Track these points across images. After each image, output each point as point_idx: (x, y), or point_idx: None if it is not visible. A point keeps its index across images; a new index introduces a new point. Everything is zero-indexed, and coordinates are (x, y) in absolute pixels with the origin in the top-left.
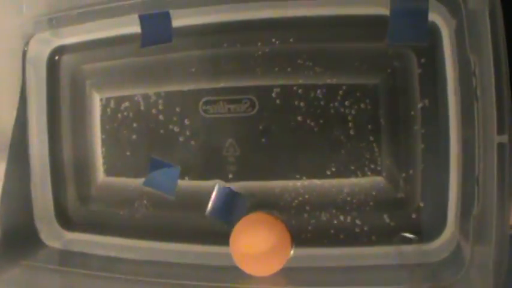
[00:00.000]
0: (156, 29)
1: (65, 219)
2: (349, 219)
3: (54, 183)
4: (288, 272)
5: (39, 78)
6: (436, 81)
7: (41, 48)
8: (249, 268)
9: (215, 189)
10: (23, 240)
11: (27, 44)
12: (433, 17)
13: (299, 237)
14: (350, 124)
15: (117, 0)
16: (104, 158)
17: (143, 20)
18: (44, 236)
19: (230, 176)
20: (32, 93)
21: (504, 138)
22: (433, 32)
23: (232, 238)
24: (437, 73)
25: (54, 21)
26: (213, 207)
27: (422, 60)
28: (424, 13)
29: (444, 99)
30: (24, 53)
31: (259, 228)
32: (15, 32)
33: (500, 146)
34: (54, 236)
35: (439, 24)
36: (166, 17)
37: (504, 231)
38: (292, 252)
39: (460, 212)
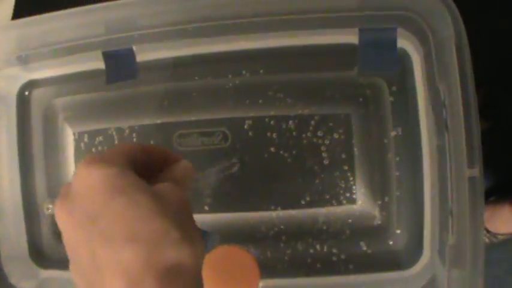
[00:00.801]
0: (121, 66)
1: (40, 257)
2: (325, 248)
3: (28, 220)
4: None
5: (9, 113)
6: (408, 109)
7: (10, 83)
8: None
9: None
10: None
11: None
12: (403, 44)
13: (276, 268)
14: (323, 154)
15: (85, 37)
16: None
17: (107, 56)
18: (15, 278)
19: (206, 208)
20: (2, 130)
21: (475, 172)
22: (404, 60)
23: (204, 273)
24: (408, 101)
25: (24, 57)
26: None
27: (394, 88)
28: (393, 42)
29: (416, 127)
30: None
31: (228, 261)
32: None
33: (472, 179)
34: (28, 276)
35: (410, 52)
36: (130, 54)
37: (478, 261)
38: (260, 285)
39: (436, 239)
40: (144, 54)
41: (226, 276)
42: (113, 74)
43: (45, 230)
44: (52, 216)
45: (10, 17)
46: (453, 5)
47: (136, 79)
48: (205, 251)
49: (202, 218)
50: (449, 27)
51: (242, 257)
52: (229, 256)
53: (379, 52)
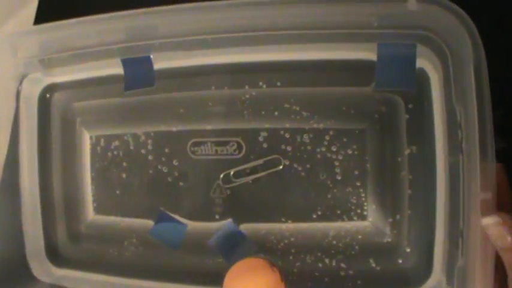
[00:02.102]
0: (139, 73)
1: (55, 256)
2: (334, 262)
3: (45, 220)
4: None
5: (30, 115)
6: (424, 128)
7: (33, 86)
8: None
9: (225, 225)
10: (14, 275)
11: (20, 83)
12: (422, 63)
13: (284, 280)
14: (336, 169)
15: (105, 44)
16: (93, 196)
17: (126, 64)
18: (36, 272)
19: (217, 217)
20: (24, 130)
21: (487, 195)
22: (422, 78)
23: (227, 281)
24: (424, 120)
25: (46, 61)
26: (218, 241)
27: (410, 106)
28: (412, 60)
29: (431, 146)
30: (17, 92)
31: (254, 273)
32: (9, 73)
33: (484, 203)
34: (44, 273)
35: (428, 71)
36: (148, 61)
37: (487, 285)
38: None
39: (446, 259)
40: (163, 62)
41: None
42: (131, 81)
43: (60, 231)
44: (67, 218)
45: (32, 22)
46: (473, 26)
47: (153, 86)
48: (240, 257)
49: (212, 226)
50: (468, 49)
51: (268, 270)
52: (256, 267)
53: (397, 69)
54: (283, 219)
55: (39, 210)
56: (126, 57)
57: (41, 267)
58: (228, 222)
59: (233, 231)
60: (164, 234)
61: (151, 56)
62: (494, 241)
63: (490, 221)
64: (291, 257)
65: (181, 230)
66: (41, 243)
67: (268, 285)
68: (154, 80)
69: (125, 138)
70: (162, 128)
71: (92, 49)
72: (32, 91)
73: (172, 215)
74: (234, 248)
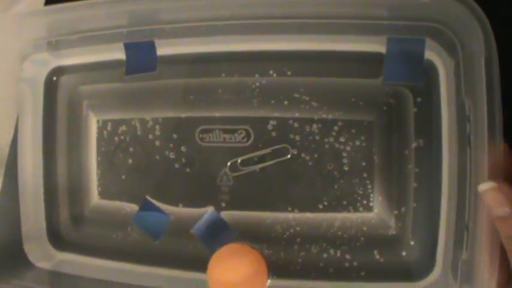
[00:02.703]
0: (141, 58)
1: (57, 240)
2: (339, 253)
3: (48, 203)
4: None
5: (36, 98)
6: (431, 121)
7: (39, 68)
8: None
9: (208, 213)
10: (12, 260)
11: (27, 65)
12: (431, 56)
13: (288, 269)
14: (344, 160)
15: (115, 27)
16: (98, 180)
17: (128, 48)
18: (33, 256)
19: (223, 204)
20: (29, 112)
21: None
22: (431, 72)
23: (210, 266)
24: (432, 113)
25: (54, 43)
26: (200, 228)
27: (419, 99)
28: (420, 54)
29: (439, 140)
30: (24, 74)
31: (237, 258)
32: (15, 53)
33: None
34: (45, 256)
35: (437, 64)
36: (151, 47)
37: (491, 279)
38: (268, 282)
39: (449, 253)
40: (172, 48)
41: (233, 272)
42: (132, 65)
43: (63, 213)
44: (71, 202)
45: (43, 2)
46: (485, 19)
47: (156, 71)
48: (221, 245)
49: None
50: (479, 42)
51: (251, 255)
52: (238, 253)
53: (406, 62)
54: (289, 209)
55: (42, 194)
56: (129, 41)
57: (41, 251)
58: (210, 210)
59: (216, 219)
60: (146, 222)
61: (155, 41)
62: (490, 208)
63: (486, 187)
64: (296, 247)
65: (164, 221)
66: (43, 226)
67: (252, 267)
68: (156, 65)
69: (132, 123)
70: (171, 114)
71: (99, 32)
72: (38, 73)
73: (156, 204)
74: (216, 236)
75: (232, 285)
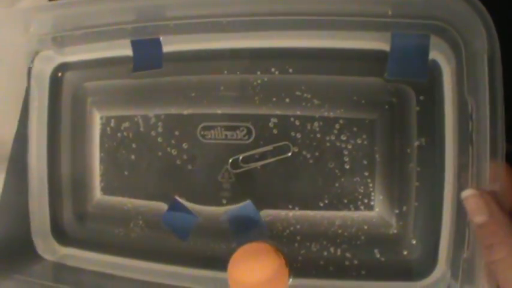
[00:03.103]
0: (147, 55)
1: (61, 235)
2: (339, 251)
3: (52, 198)
4: None
5: (41, 93)
6: (434, 120)
7: (45, 64)
8: None
9: (245, 204)
10: (18, 252)
11: (32, 60)
12: (435, 54)
13: (288, 267)
14: (345, 158)
15: (119, 23)
16: (101, 176)
17: (135, 45)
18: (40, 249)
19: (224, 201)
20: (34, 108)
21: (496, 186)
22: (434, 70)
23: (231, 265)
24: (435, 112)
25: (59, 39)
26: (232, 218)
27: (421, 97)
28: (425, 50)
29: (441, 139)
30: (29, 69)
31: (258, 258)
32: (21, 49)
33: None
34: (49, 251)
35: (440, 63)
36: (157, 44)
37: (492, 277)
38: (290, 281)
39: (451, 252)
40: (176, 45)
41: (253, 273)
42: (139, 63)
43: (67, 209)
44: (74, 197)
45: None
46: (488, 16)
47: (161, 68)
48: (248, 240)
49: (219, 211)
50: (482, 39)
51: (272, 255)
52: (259, 253)
53: (410, 59)
54: (290, 206)
55: (46, 189)
56: (135, 39)
57: (46, 245)
58: (249, 203)
59: (251, 213)
60: (174, 223)
61: (161, 38)
62: (471, 216)
63: (467, 193)
64: (296, 245)
65: (192, 221)
66: (47, 221)
67: (272, 269)
68: (162, 62)
69: (135, 119)
70: (173, 110)
71: (104, 28)
72: (43, 69)
73: (185, 205)
74: (245, 229)
75: (253, 285)
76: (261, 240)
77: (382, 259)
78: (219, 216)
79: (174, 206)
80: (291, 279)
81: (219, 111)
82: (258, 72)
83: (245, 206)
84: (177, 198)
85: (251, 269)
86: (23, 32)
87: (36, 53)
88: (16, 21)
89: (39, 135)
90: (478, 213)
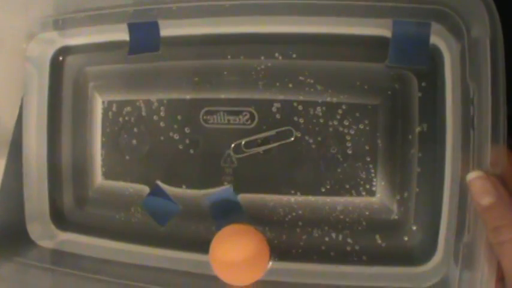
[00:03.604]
0: (144, 38)
1: (60, 219)
2: (340, 237)
3: (51, 183)
4: (277, 286)
5: (41, 77)
6: (436, 106)
7: (46, 48)
8: (226, 277)
9: (223, 189)
10: (16, 238)
11: (33, 43)
12: (436, 40)
13: (290, 252)
14: (347, 143)
15: (121, 6)
16: (103, 161)
17: (132, 28)
18: (36, 235)
19: (225, 184)
20: (34, 92)
21: (497, 170)
22: (435, 56)
23: (213, 245)
24: (437, 98)
25: (60, 22)
26: (213, 201)
27: (423, 83)
28: (426, 37)
29: (443, 125)
30: (29, 52)
31: (239, 238)
32: (21, 32)
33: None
34: (48, 236)
35: (442, 49)
36: (155, 27)
37: (492, 261)
38: (270, 263)
39: (451, 238)
40: (179, 29)
41: (235, 252)
42: (135, 46)
43: (67, 194)
44: (75, 182)
45: None
46: (491, 2)
47: (158, 52)
48: (229, 223)
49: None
50: (485, 23)
51: (253, 236)
52: (241, 233)
53: (411, 46)
54: (292, 192)
55: (46, 174)
56: (132, 22)
57: (44, 231)
58: (228, 188)
59: (230, 198)
60: (154, 208)
61: (158, 22)
62: (475, 198)
63: (473, 175)
64: (298, 230)
65: (172, 210)
66: (46, 206)
67: (253, 248)
68: (159, 46)
69: (137, 104)
70: (176, 95)
71: (105, 11)
72: (44, 52)
73: (166, 192)
74: (225, 213)
75: (233, 265)
76: (241, 222)
77: (383, 244)
78: (200, 200)
79: (156, 191)
80: (270, 263)
81: (222, 96)
82: (262, 57)
83: (223, 190)
84: (159, 183)
85: (233, 247)
86: (24, 14)
87: (37, 36)
88: (17, 3)
89: (39, 119)
90: (484, 195)
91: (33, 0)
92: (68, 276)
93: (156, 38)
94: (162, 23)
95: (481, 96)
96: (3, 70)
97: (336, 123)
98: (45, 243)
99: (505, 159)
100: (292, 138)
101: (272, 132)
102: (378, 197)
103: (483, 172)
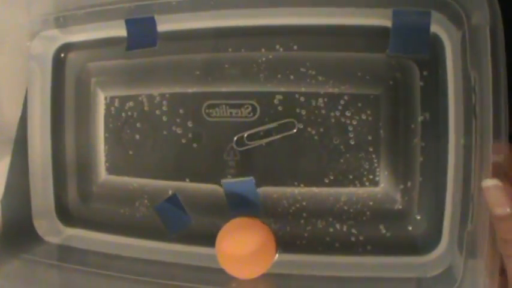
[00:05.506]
0: (142, 33)
1: (66, 215)
2: (345, 228)
3: (56, 179)
4: (282, 278)
5: (44, 74)
6: (438, 95)
7: (48, 45)
8: (232, 270)
9: (246, 179)
10: (22, 234)
11: (34, 41)
12: (437, 29)
13: (294, 244)
14: (350, 134)
15: (120, 2)
16: (106, 156)
17: (129, 23)
18: (42, 231)
19: (229, 177)
20: (37, 89)
21: (500, 158)
22: (436, 45)
23: (219, 238)
24: (439, 87)
25: (62, 19)
26: (231, 187)
27: (425, 73)
28: (426, 26)
29: (445, 113)
30: (32, 50)
31: (245, 231)
32: (23, 29)
33: (496, 165)
34: (53, 232)
35: (443, 38)
36: (152, 22)
37: (496, 250)
38: (276, 257)
39: (456, 227)
40: (180, 23)
41: (242, 246)
42: (133, 41)
43: (72, 190)
44: (79, 178)
45: None
46: None
47: (156, 47)
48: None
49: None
50: (484, 11)
51: (260, 229)
52: (247, 226)
53: (412, 35)
54: (295, 183)
55: (50, 170)
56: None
57: (50, 227)
58: (250, 179)
59: (250, 189)
60: (166, 215)
61: (155, 17)
62: (490, 206)
63: (489, 183)
64: (302, 221)
65: (184, 221)
66: (51, 202)
67: (260, 241)
68: (156, 40)
69: (140, 99)
70: (178, 89)
71: (106, 7)
72: (46, 50)
73: (182, 204)
74: (242, 204)
75: (240, 259)
76: (252, 216)
77: (388, 234)
78: (221, 199)
79: (172, 199)
80: (277, 255)
81: (223, 89)
82: (263, 50)
83: (246, 181)
84: (177, 195)
85: (239, 239)
86: (24, 12)
87: (39, 33)
88: (18, 2)
89: (43, 116)
90: (499, 205)
91: None
92: (74, 271)
93: (153, 33)
94: (162, 18)
95: (482, 84)
96: (6, 68)
97: (338, 114)
98: (52, 239)
99: (506, 148)
100: (295, 130)
101: (274, 125)
102: (382, 187)
103: (499, 181)
